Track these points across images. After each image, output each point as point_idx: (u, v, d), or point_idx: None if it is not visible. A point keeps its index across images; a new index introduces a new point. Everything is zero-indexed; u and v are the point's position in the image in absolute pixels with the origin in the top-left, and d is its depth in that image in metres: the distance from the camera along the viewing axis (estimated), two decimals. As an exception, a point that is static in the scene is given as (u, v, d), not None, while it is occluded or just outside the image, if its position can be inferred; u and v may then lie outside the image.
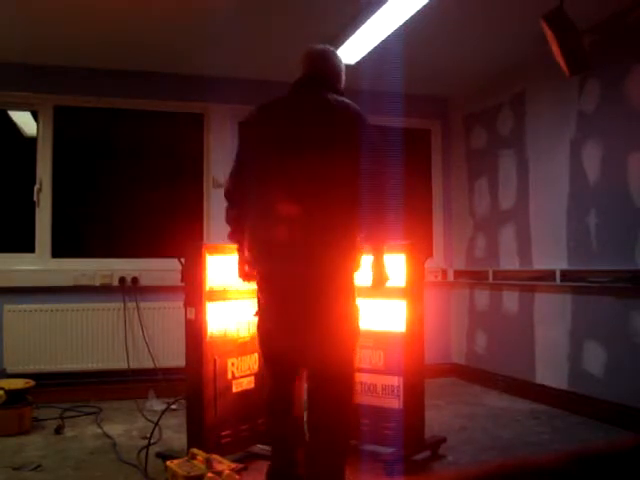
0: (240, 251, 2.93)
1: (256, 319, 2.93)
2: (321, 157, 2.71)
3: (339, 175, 2.70)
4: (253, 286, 3.41)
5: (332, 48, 3.11)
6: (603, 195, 4.29)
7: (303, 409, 2.89)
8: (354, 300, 2.81)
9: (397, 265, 3.37)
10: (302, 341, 2.75)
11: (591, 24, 4.16)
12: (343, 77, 3.05)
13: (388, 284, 2.91)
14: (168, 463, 2.93)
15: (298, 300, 2.73)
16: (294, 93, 2.93)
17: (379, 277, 2.82)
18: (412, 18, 4.00)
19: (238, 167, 2.93)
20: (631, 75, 4.07)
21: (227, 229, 2.93)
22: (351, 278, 2.82)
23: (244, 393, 3.44)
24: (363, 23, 4.09)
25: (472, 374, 5.68)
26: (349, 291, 2.80)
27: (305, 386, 2.84)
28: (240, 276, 3.00)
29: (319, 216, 2.67)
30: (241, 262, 2.96)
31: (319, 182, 2.69)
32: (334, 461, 2.72)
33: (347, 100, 2.85)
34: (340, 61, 3.06)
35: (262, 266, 2.80)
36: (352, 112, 2.78)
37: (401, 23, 4.08)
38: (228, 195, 2.97)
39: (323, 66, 2.98)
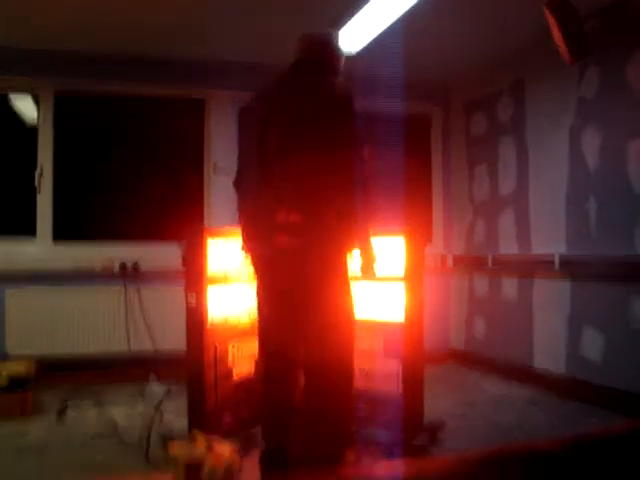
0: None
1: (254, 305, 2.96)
2: (315, 144, 2.76)
3: (333, 162, 2.75)
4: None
5: (330, 33, 3.13)
6: (602, 181, 4.30)
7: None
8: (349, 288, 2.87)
9: (397, 251, 3.38)
10: (301, 331, 2.81)
11: (592, 10, 4.14)
12: (340, 61, 3.07)
13: (378, 273, 2.94)
14: (169, 445, 2.95)
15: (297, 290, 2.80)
16: (289, 78, 2.96)
17: (367, 265, 2.87)
18: (414, 5, 3.99)
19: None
20: (631, 62, 4.06)
21: (227, 214, 2.87)
22: (345, 266, 2.86)
23: (245, 378, 3.46)
24: (365, 9, 4.09)
25: (471, 360, 5.71)
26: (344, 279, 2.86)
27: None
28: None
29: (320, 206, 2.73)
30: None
31: (315, 171, 2.74)
32: (334, 450, 2.79)
33: (336, 83, 2.92)
34: (336, 46, 3.07)
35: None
36: (338, 96, 2.86)
37: (403, 10, 4.07)
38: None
39: (318, 50, 3.01)
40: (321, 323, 2.76)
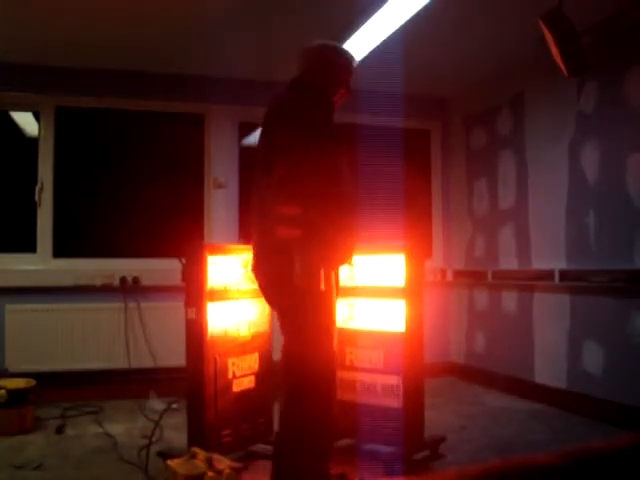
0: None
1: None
2: (278, 160, 2.67)
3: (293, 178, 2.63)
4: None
5: (331, 44, 3.08)
6: (602, 195, 4.31)
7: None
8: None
9: (397, 267, 3.39)
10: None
11: (589, 25, 4.17)
12: (338, 72, 2.98)
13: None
14: (169, 462, 2.94)
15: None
16: (279, 94, 2.92)
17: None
18: (412, 19, 4.02)
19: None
20: (629, 76, 4.08)
21: (226, 229, 2.86)
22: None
23: (245, 392, 3.45)
24: (363, 24, 4.11)
25: (471, 374, 5.69)
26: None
27: None
28: None
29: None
30: None
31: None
32: (314, 462, 2.69)
33: (306, 98, 2.80)
34: (335, 56, 3.00)
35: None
36: (292, 112, 2.76)
37: (401, 24, 4.10)
38: None
39: (309, 64, 2.97)
40: (300, 323, 2.67)
